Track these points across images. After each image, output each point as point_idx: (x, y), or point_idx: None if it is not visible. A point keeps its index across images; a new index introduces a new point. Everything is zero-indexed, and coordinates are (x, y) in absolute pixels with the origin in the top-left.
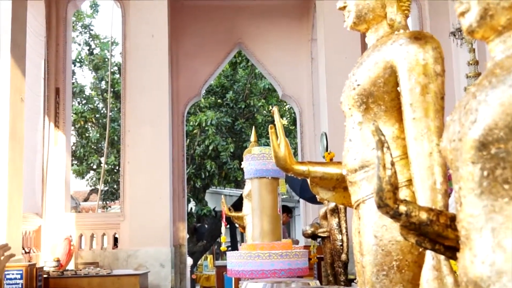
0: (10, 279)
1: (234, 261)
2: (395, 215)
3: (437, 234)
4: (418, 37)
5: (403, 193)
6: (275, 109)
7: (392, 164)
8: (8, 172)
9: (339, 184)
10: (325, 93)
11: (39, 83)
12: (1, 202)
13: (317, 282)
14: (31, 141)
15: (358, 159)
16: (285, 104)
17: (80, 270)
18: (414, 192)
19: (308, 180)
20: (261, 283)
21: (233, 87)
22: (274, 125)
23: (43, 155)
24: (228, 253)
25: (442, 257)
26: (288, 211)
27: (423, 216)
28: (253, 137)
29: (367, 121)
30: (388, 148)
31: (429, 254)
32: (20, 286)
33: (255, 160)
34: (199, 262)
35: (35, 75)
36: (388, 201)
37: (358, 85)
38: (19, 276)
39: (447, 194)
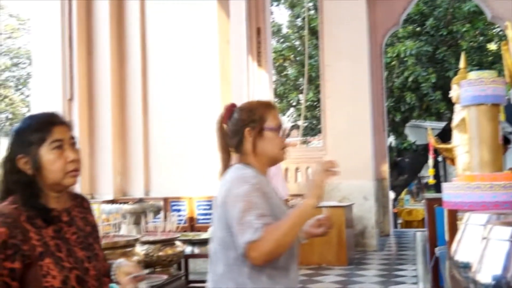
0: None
1: (451, 192)
2: None
3: None
4: None
5: None
6: (508, 24)
7: None
8: (221, 110)
9: None
10: None
11: (242, 25)
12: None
13: None
14: (237, 80)
15: None
16: (493, 27)
17: (288, 201)
18: None
19: None
20: (486, 214)
21: (433, 13)
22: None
23: (249, 93)
24: (444, 184)
25: None
26: (506, 141)
27: None
28: (462, 63)
29: None
30: None
31: None
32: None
33: (472, 85)
34: (400, 196)
35: (237, 17)
36: None
37: None
38: None
39: None
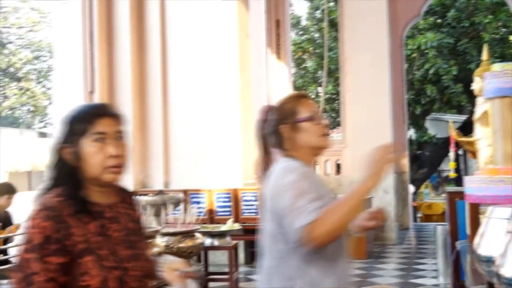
0: (246, 200)
1: (473, 186)
2: None
3: None
4: None
5: None
6: None
7: None
8: (240, 103)
9: None
10: None
11: (261, 17)
12: (236, 129)
13: None
14: (257, 72)
15: None
16: None
17: None
18: None
19: None
20: (509, 208)
21: (455, 4)
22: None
23: (268, 86)
24: (466, 177)
25: None
26: None
27: None
28: (485, 55)
29: None
30: None
31: None
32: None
33: (496, 77)
34: (420, 190)
35: (257, 10)
36: None
37: None
38: (253, 198)
39: None
